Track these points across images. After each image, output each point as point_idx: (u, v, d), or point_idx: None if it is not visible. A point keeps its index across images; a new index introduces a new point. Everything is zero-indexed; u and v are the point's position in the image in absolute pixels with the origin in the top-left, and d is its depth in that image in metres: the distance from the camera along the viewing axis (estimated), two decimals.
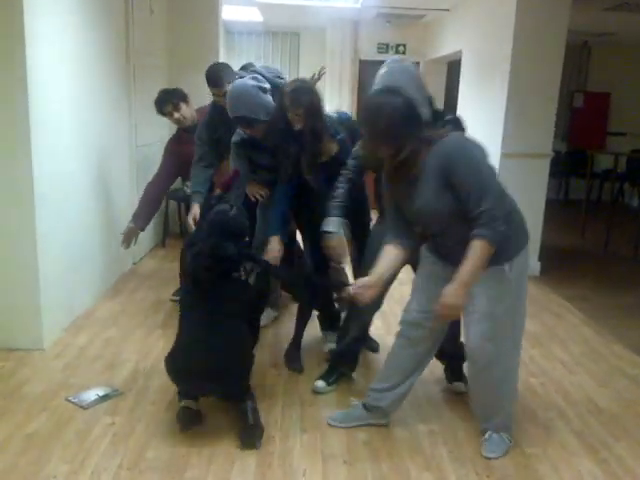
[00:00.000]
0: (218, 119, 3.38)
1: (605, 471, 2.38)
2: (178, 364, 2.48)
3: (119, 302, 4.03)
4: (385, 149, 2.19)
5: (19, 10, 2.89)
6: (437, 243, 2.39)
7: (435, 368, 3.11)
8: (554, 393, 3.01)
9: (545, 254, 5.16)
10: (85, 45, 3.77)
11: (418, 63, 8.26)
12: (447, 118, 2.70)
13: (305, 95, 2.79)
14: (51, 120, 3.27)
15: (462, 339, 2.74)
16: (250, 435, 2.44)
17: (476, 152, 2.17)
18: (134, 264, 4.95)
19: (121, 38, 4.46)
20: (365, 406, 2.62)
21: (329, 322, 3.39)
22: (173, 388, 2.74)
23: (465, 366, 2.76)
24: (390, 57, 2.79)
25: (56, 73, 3.34)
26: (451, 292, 2.15)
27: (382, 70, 2.63)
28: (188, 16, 5.62)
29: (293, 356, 3.18)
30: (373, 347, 3.37)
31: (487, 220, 2.07)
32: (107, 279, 4.32)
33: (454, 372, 2.98)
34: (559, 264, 5.40)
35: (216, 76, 3.45)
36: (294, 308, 3.48)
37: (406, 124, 2.14)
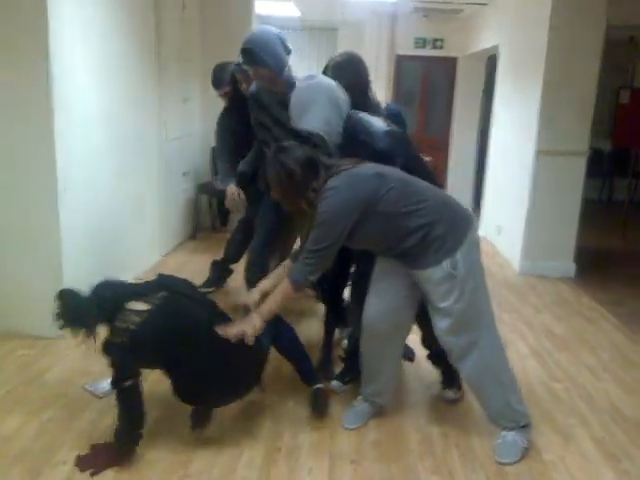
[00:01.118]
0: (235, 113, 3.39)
1: None
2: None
3: None
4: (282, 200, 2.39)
5: (43, 6, 2.94)
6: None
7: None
8: (577, 399, 2.91)
9: (582, 256, 5.00)
10: (114, 40, 3.81)
11: (456, 58, 8.13)
12: (389, 107, 2.87)
13: (349, 68, 2.76)
14: (77, 113, 3.32)
15: None
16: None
17: (337, 199, 2.24)
18: (162, 256, 5.00)
19: (152, 33, 4.50)
20: (365, 400, 2.66)
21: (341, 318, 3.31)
22: None
23: None
24: (305, 74, 2.71)
25: (83, 68, 3.39)
26: (250, 322, 2.31)
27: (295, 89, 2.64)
28: (221, 11, 5.63)
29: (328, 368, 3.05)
30: (409, 356, 3.19)
31: (301, 260, 2.30)
32: (134, 270, 4.37)
33: (447, 378, 2.88)
34: (596, 267, 5.23)
35: (215, 77, 3.49)
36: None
37: (297, 184, 2.28)
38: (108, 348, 2.21)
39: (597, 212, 7.81)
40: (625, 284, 4.83)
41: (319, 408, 2.60)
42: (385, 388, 2.63)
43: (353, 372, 2.88)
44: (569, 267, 4.89)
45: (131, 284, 2.40)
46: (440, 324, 2.35)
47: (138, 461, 2.29)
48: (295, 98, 2.57)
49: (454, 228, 2.30)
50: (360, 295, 2.57)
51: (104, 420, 2.54)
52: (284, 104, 2.71)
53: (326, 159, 2.35)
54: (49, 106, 3.05)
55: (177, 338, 2.24)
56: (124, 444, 2.27)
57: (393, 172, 2.35)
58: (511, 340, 3.52)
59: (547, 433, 2.58)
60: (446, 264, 2.25)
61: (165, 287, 2.33)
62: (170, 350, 2.25)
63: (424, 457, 2.39)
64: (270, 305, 2.35)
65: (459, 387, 2.87)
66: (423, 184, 2.37)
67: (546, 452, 2.45)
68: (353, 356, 2.90)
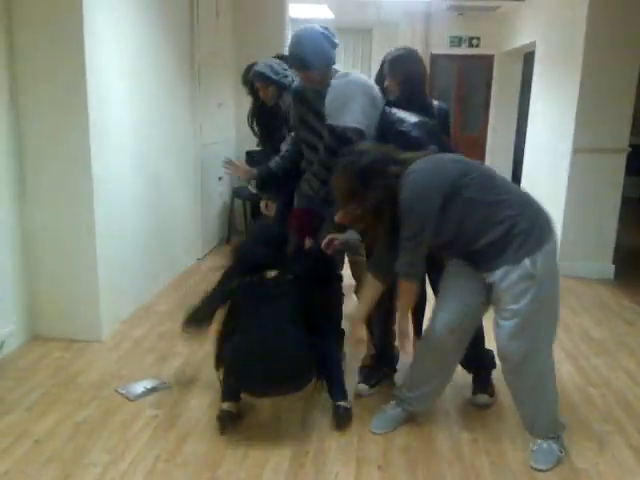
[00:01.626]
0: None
1: None
2: (243, 366, 2.47)
3: (178, 297, 4.13)
4: (354, 208, 2.26)
5: (78, 10, 3.00)
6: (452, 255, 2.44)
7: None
8: (614, 405, 2.82)
9: (621, 257, 4.86)
10: (149, 47, 3.88)
11: (492, 56, 8.01)
12: (439, 106, 2.84)
13: (405, 63, 2.78)
14: (111, 119, 3.38)
15: (488, 346, 2.74)
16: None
17: (418, 182, 2.19)
18: (198, 260, 5.06)
19: (186, 40, 4.57)
20: (398, 405, 2.59)
21: None
22: (218, 384, 2.79)
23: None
24: (339, 73, 2.67)
25: (117, 74, 3.45)
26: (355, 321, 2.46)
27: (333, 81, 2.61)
28: (254, 16, 5.68)
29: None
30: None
31: (400, 248, 2.25)
32: (169, 274, 4.44)
33: (479, 383, 2.83)
34: (636, 268, 5.07)
35: (244, 77, 3.56)
36: None
37: (362, 181, 2.21)
38: None
39: (637, 211, 7.59)
40: None
41: (339, 424, 2.55)
42: (431, 397, 2.57)
43: (379, 375, 2.86)
44: (608, 269, 4.75)
45: None
46: (505, 325, 2.24)
47: (167, 460, 2.31)
48: (332, 94, 2.53)
49: (538, 226, 2.21)
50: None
51: (136, 422, 2.58)
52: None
53: (399, 154, 2.29)
54: (86, 116, 3.11)
55: None
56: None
57: (474, 161, 2.31)
58: None
59: (581, 440, 2.51)
60: (527, 263, 2.15)
61: None
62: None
63: (453, 463, 2.35)
64: (364, 300, 2.45)
65: (492, 393, 2.82)
66: (503, 177, 2.34)
67: (579, 460, 2.38)
68: (379, 360, 2.89)
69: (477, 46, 8.06)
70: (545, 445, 2.36)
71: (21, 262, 3.27)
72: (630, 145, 4.66)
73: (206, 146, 5.10)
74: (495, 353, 2.45)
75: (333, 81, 2.59)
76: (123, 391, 2.83)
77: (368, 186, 2.20)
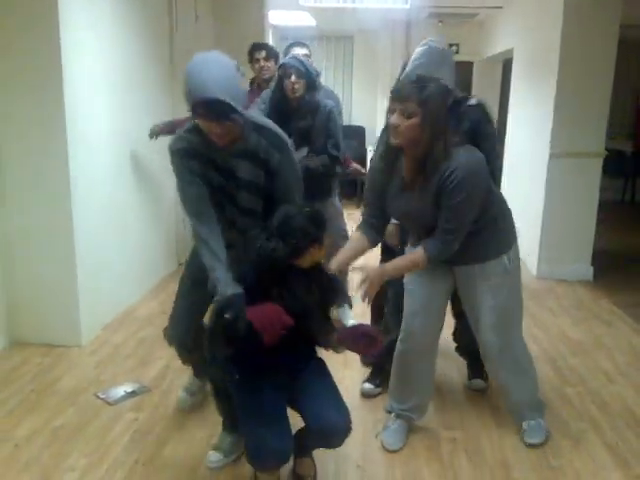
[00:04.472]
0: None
1: None
2: None
3: (159, 302, 4.12)
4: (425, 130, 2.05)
5: (55, 10, 2.99)
6: (412, 232, 2.42)
7: (464, 370, 3.05)
8: (590, 403, 2.86)
9: (601, 258, 4.93)
10: (127, 51, 3.88)
11: (472, 62, 8.10)
12: (470, 104, 2.62)
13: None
14: (89, 123, 3.38)
15: None
16: None
17: (473, 184, 2.10)
18: (180, 265, 5.04)
19: (165, 42, 4.58)
20: (398, 418, 2.56)
21: None
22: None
23: None
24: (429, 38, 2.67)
25: (95, 80, 3.46)
26: (375, 272, 2.17)
27: (422, 48, 2.58)
28: (234, 21, 5.68)
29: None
30: None
31: (441, 238, 2.15)
32: (150, 279, 4.43)
33: (473, 369, 2.95)
34: (616, 269, 5.13)
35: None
36: None
37: (446, 113, 2.10)
38: None
39: (619, 213, 7.69)
40: None
41: None
42: (423, 403, 2.57)
43: (382, 373, 2.86)
44: (587, 270, 4.81)
45: None
46: (484, 321, 2.35)
47: (146, 464, 2.31)
48: (423, 55, 2.52)
49: (512, 224, 2.39)
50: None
51: (115, 426, 2.57)
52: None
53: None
54: (63, 125, 3.11)
55: None
56: None
57: None
58: None
59: (557, 438, 2.54)
60: (504, 259, 2.30)
61: None
62: None
63: (431, 462, 2.37)
64: (397, 265, 2.24)
65: (486, 378, 2.93)
66: None
67: (555, 457, 2.41)
68: (383, 356, 2.83)
69: (457, 52, 8.13)
70: (533, 422, 2.52)
71: (0, 267, 3.25)
72: (610, 149, 4.73)
73: None
74: None
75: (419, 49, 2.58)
76: (103, 396, 2.83)
77: (442, 106, 2.08)
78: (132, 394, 2.85)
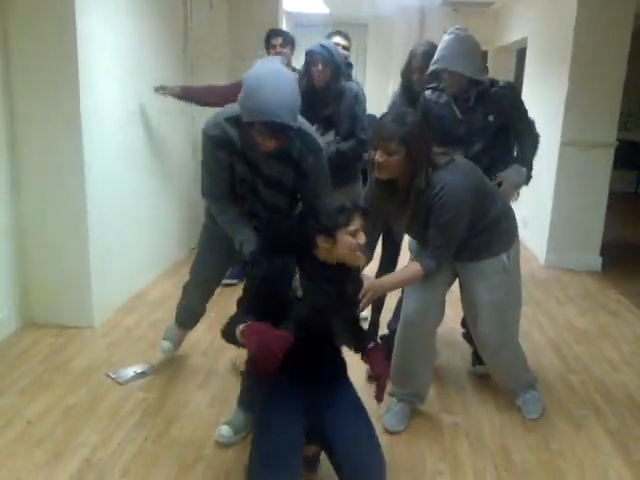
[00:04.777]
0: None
1: (636, 473, 2.27)
2: None
3: (171, 285, 4.17)
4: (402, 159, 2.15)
5: (71, 7, 3.04)
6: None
7: (467, 357, 3.09)
8: (593, 391, 2.89)
9: (611, 249, 4.93)
10: (142, 38, 3.92)
11: (486, 52, 8.04)
12: (501, 84, 2.77)
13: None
14: (104, 110, 3.43)
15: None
16: None
17: (459, 200, 2.18)
18: (192, 249, 5.10)
19: (179, 31, 4.61)
20: (400, 401, 2.61)
21: None
22: (206, 369, 2.88)
23: None
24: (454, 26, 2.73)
25: (111, 70, 3.50)
26: (375, 286, 2.18)
27: (449, 36, 2.65)
28: (248, 8, 5.70)
29: None
30: None
31: (433, 254, 2.26)
32: (163, 263, 4.50)
33: (478, 355, 2.96)
34: (624, 260, 5.13)
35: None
36: None
37: (427, 144, 2.19)
38: None
39: (632, 205, 7.66)
40: None
41: None
42: (422, 390, 2.62)
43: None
44: (595, 260, 4.82)
45: None
46: (483, 317, 2.42)
47: (155, 441, 2.38)
48: (451, 42, 2.63)
49: (515, 223, 2.47)
50: None
51: (125, 405, 2.64)
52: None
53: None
54: (78, 110, 3.16)
55: None
56: None
57: (473, 165, 2.38)
58: (528, 332, 3.50)
59: (558, 423, 2.58)
60: (504, 257, 2.37)
61: None
62: None
63: (432, 445, 2.41)
64: (395, 280, 2.36)
65: None
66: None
67: (555, 441, 2.45)
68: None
69: None
70: (528, 395, 2.65)
71: (14, 250, 3.32)
72: (622, 140, 4.71)
73: (199, 137, 5.11)
74: None
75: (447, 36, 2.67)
76: (114, 376, 2.89)
77: (422, 139, 2.16)
78: (142, 375, 2.91)
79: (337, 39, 3.60)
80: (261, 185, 2.26)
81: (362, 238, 1.91)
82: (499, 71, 8.04)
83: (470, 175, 2.26)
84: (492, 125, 2.74)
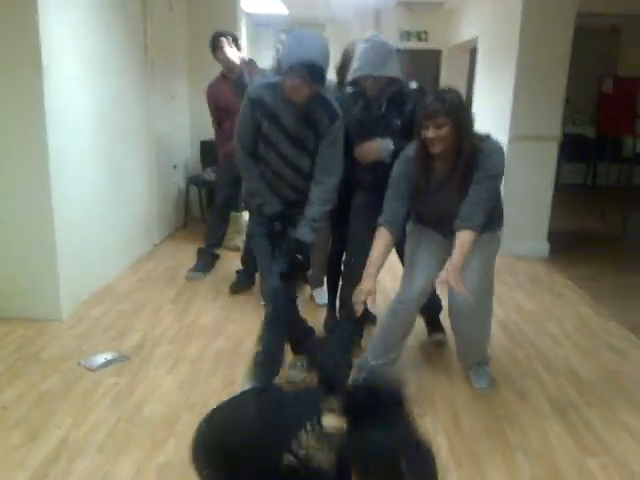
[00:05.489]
0: None
1: (571, 433, 2.50)
2: None
3: (136, 279, 4.29)
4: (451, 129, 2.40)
5: (33, 7, 3.13)
6: (431, 219, 2.71)
7: (421, 333, 3.29)
8: (537, 363, 3.13)
9: (559, 237, 5.23)
10: (102, 41, 4.01)
11: (440, 51, 8.32)
12: (413, 87, 2.94)
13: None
14: (67, 106, 3.52)
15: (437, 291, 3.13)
16: None
17: (503, 164, 2.51)
18: (155, 245, 5.21)
19: (139, 33, 4.70)
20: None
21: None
22: (175, 355, 3.01)
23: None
24: (369, 33, 2.92)
25: (72, 68, 3.59)
26: (454, 270, 2.40)
27: (365, 44, 2.78)
28: (207, 9, 5.82)
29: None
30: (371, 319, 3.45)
31: (479, 208, 2.47)
32: (127, 257, 4.59)
33: (433, 324, 3.24)
34: (572, 247, 5.43)
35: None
36: None
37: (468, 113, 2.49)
38: None
39: (580, 196, 8.02)
40: (599, 262, 5.03)
41: None
42: (396, 359, 2.83)
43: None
44: (543, 247, 5.10)
45: None
46: (469, 279, 2.52)
47: (128, 421, 2.51)
48: (370, 50, 2.76)
49: (502, 207, 2.74)
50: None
51: (98, 390, 2.76)
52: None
53: None
54: (41, 108, 3.24)
55: None
56: None
57: None
58: None
59: (503, 392, 2.81)
60: (498, 234, 2.70)
61: None
62: None
63: None
64: (464, 253, 2.45)
65: (443, 330, 3.27)
66: None
67: (501, 408, 2.68)
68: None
69: (425, 40, 8.35)
70: (481, 370, 2.87)
71: None
72: (573, 134, 4.98)
73: (160, 136, 5.24)
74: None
75: (362, 44, 2.81)
76: (85, 363, 3.00)
77: (462, 110, 2.44)
78: (112, 361, 3.03)
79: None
80: (287, 145, 2.56)
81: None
82: (453, 70, 8.34)
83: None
84: (399, 126, 2.86)
